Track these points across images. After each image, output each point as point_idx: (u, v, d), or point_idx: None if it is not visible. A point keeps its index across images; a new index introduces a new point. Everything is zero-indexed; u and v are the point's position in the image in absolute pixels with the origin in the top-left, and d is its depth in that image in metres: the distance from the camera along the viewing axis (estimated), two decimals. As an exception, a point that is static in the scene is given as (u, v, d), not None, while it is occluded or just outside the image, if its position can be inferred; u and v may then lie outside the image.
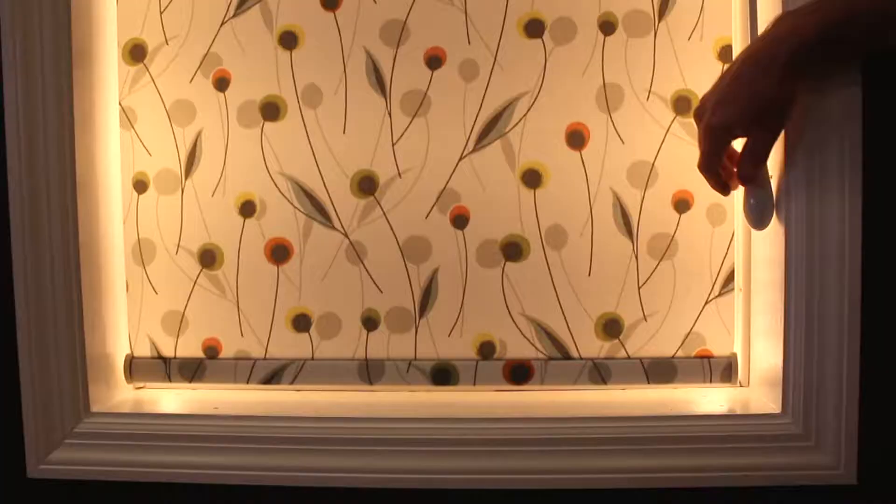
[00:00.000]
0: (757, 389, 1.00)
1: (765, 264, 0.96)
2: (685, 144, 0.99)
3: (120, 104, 1.05)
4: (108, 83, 1.05)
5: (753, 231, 0.95)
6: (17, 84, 0.95)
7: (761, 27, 0.94)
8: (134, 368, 1.08)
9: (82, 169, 1.00)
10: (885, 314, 0.92)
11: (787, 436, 0.91)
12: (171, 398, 1.07)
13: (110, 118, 1.06)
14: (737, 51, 0.98)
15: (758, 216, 0.90)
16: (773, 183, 0.91)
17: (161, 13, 1.04)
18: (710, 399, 0.99)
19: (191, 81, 1.04)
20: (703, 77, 0.98)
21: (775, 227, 0.92)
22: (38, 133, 0.96)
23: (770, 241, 0.94)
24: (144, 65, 1.04)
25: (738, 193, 0.99)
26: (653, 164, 0.99)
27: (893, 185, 0.91)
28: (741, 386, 1.02)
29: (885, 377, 0.92)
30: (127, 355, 1.08)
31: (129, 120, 1.05)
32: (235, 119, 1.03)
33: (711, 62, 0.98)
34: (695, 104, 0.98)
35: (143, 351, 1.08)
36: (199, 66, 1.04)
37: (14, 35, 0.95)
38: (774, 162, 0.92)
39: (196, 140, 1.04)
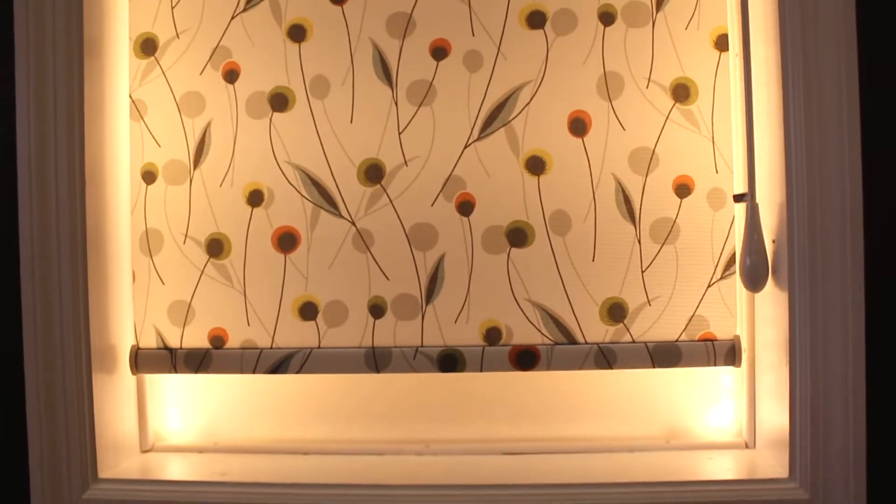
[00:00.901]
0: (764, 452, 1.01)
1: (768, 325, 0.98)
2: (685, 131, 1.01)
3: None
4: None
5: (758, 277, 0.96)
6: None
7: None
8: (139, 360, 1.08)
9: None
10: (890, 378, 0.94)
11: (795, 501, 0.92)
12: (179, 464, 1.07)
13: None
14: (732, 40, 1.01)
15: (753, 278, 0.94)
16: (771, 247, 0.96)
17: (173, 8, 1.06)
18: (716, 462, 1.01)
19: (201, 74, 1.06)
20: (701, 65, 1.01)
21: (777, 292, 0.95)
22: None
23: (773, 303, 0.97)
24: (155, 58, 1.06)
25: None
26: (653, 150, 1.02)
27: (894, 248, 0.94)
28: (747, 446, 1.04)
29: (892, 441, 0.94)
30: (132, 346, 1.08)
31: (139, 112, 1.07)
32: (244, 110, 1.05)
33: (708, 51, 1.01)
34: (693, 92, 1.01)
35: (149, 342, 1.08)
36: (209, 59, 1.06)
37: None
38: (772, 226, 0.96)
39: (205, 131, 1.06)
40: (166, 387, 1.13)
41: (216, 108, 1.06)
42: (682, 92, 1.01)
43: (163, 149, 1.07)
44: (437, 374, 1.06)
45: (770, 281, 0.96)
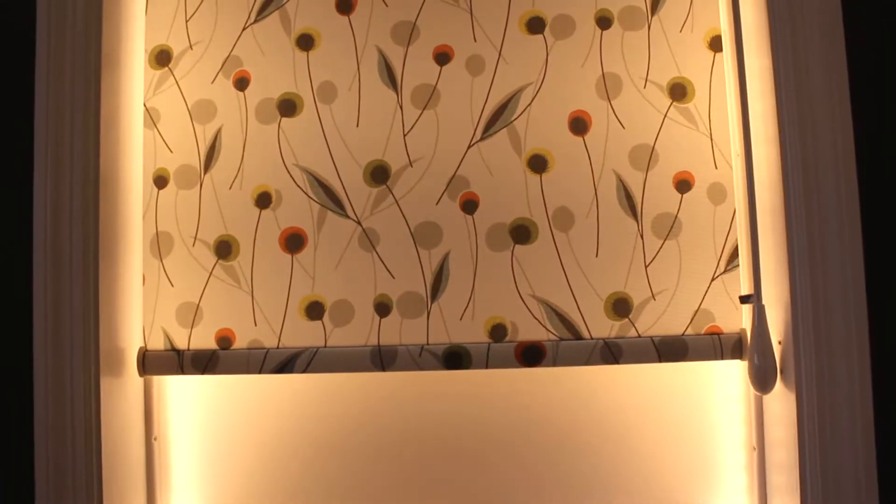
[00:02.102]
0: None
1: (778, 424, 0.99)
2: (683, 128, 1.04)
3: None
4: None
5: (766, 379, 0.97)
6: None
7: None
8: (147, 361, 1.08)
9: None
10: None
11: None
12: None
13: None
14: (726, 41, 1.04)
15: (762, 380, 0.96)
16: (777, 348, 0.97)
17: (187, 21, 1.11)
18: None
19: (212, 82, 1.10)
20: (696, 65, 1.04)
21: (784, 390, 0.96)
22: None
23: (781, 401, 0.98)
24: (169, 68, 1.11)
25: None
26: (653, 147, 1.04)
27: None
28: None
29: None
30: (140, 348, 1.09)
31: (152, 120, 1.11)
32: (254, 116, 1.09)
33: (703, 51, 1.04)
34: (689, 91, 1.04)
35: (157, 344, 1.08)
36: (220, 68, 1.10)
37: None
38: (778, 327, 0.97)
39: (216, 136, 1.09)
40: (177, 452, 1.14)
41: (227, 115, 1.09)
42: (678, 91, 1.04)
43: (174, 154, 1.10)
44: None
45: (779, 381, 0.97)
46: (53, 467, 1.01)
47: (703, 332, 1.02)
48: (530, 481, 1.08)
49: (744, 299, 0.99)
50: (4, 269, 1.04)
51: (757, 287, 0.99)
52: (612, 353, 1.02)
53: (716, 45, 1.04)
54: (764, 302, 0.99)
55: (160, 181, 1.10)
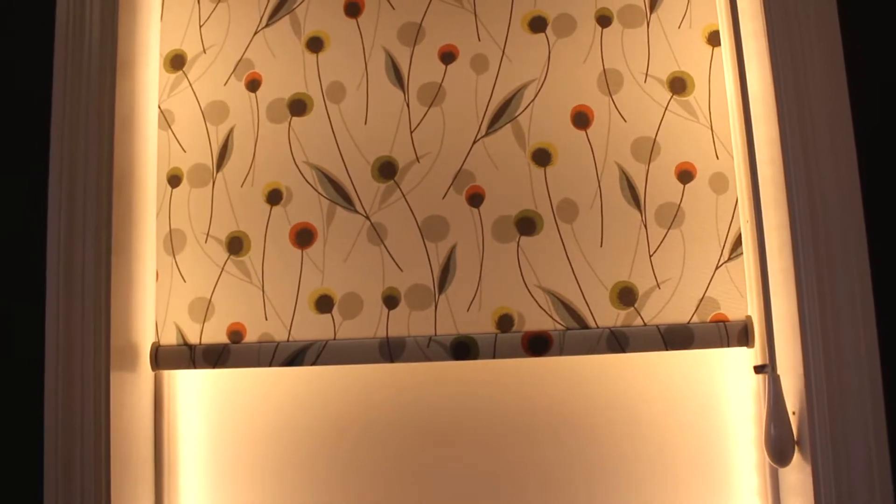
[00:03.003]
0: None
1: (795, 496, 0.99)
2: (684, 120, 1.06)
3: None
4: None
5: (784, 451, 0.97)
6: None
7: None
8: (159, 356, 1.10)
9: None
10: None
11: None
12: None
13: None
14: (724, 35, 1.07)
15: (778, 451, 0.95)
16: (793, 419, 0.98)
17: (201, 26, 1.15)
18: None
19: (225, 84, 1.13)
20: (695, 60, 1.07)
21: (801, 463, 0.97)
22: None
23: (798, 473, 0.98)
24: (183, 72, 1.14)
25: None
26: (654, 139, 1.06)
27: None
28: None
29: None
30: (153, 343, 1.10)
31: (167, 121, 1.14)
32: (265, 116, 1.12)
33: (701, 46, 1.07)
34: (689, 84, 1.06)
35: (170, 339, 1.10)
36: (233, 71, 1.13)
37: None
38: (794, 398, 0.98)
39: (228, 136, 1.12)
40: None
41: (239, 115, 1.13)
42: (678, 85, 1.07)
43: (188, 154, 1.13)
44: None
45: (796, 451, 0.97)
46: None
47: (708, 319, 1.03)
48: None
49: (758, 369, 0.99)
50: (19, 265, 1.07)
51: (772, 357, 0.99)
52: (618, 341, 1.03)
53: (714, 39, 1.07)
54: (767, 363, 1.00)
55: (174, 180, 1.13)
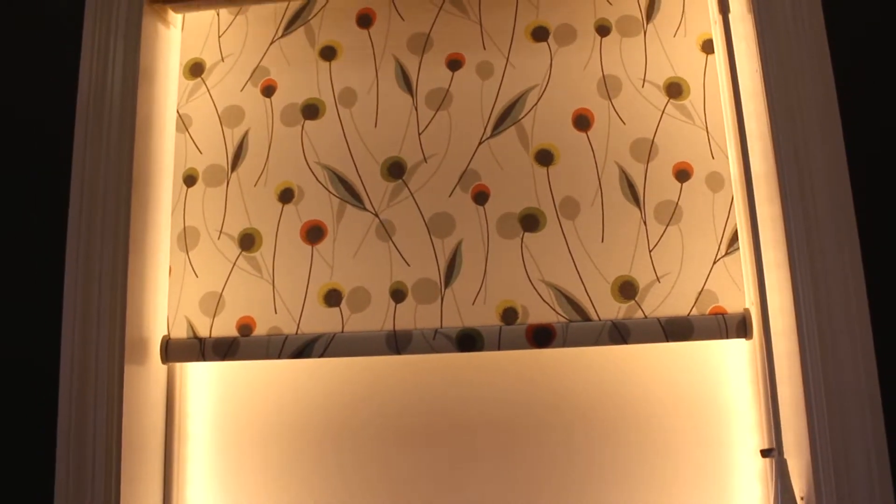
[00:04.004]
0: None
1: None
2: (680, 122, 1.11)
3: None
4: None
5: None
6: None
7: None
8: (170, 349, 1.12)
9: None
10: None
11: None
12: None
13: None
14: (717, 43, 1.13)
15: None
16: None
17: (219, 36, 1.21)
18: None
19: (241, 90, 1.19)
20: (690, 66, 1.12)
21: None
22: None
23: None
24: (202, 78, 1.20)
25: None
26: (652, 141, 1.11)
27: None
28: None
29: None
30: (164, 337, 1.13)
31: (184, 124, 1.19)
32: (279, 119, 1.17)
33: (696, 53, 1.13)
34: (685, 89, 1.11)
35: (180, 332, 1.13)
36: (249, 78, 1.19)
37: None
38: (801, 483, 1.00)
39: (243, 138, 1.17)
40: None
41: (254, 119, 1.18)
42: (675, 89, 1.12)
43: (204, 155, 1.18)
44: None
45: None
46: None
47: (707, 312, 1.06)
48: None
49: (765, 453, 1.00)
50: (41, 260, 1.10)
51: (778, 440, 1.01)
52: (620, 333, 1.05)
53: (707, 47, 1.13)
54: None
55: (189, 180, 1.17)
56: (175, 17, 1.23)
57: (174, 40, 1.22)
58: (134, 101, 1.13)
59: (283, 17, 1.20)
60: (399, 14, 1.18)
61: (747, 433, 1.07)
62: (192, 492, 1.14)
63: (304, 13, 1.20)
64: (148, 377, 1.11)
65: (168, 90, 1.20)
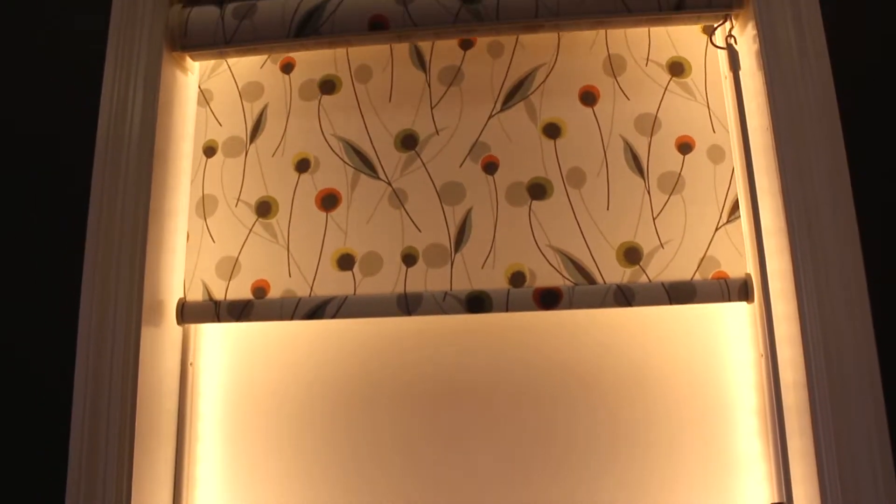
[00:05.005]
0: None
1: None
2: (682, 99, 1.15)
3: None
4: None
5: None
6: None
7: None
8: (185, 311, 1.15)
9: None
10: None
11: None
12: None
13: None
14: (718, 29, 1.18)
15: None
16: None
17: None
18: None
19: (261, 67, 1.24)
20: (692, 47, 1.17)
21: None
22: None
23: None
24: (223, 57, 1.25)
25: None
26: (656, 116, 1.15)
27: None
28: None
29: None
30: (179, 299, 1.15)
31: (205, 99, 1.24)
32: (297, 94, 1.22)
33: (698, 35, 1.18)
34: (687, 68, 1.17)
35: (196, 295, 1.15)
36: (268, 56, 1.24)
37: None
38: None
39: (262, 112, 1.22)
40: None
41: (273, 94, 1.22)
42: (677, 68, 1.17)
43: (223, 128, 1.22)
44: None
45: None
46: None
47: (709, 277, 1.09)
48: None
49: None
50: (62, 227, 1.14)
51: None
52: (624, 296, 1.08)
53: (708, 29, 1.18)
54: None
55: (209, 151, 1.21)
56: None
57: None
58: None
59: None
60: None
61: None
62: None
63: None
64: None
65: (191, 66, 1.25)
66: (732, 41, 1.15)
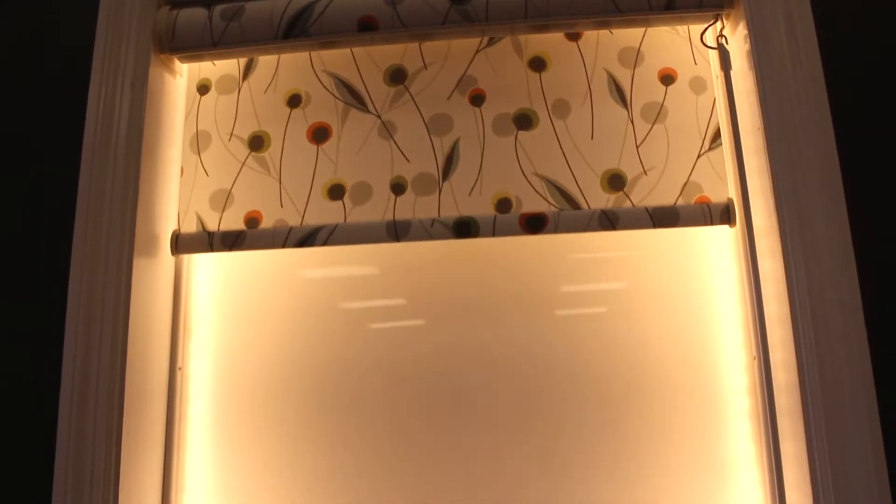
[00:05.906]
0: None
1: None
2: (665, 32, 1.18)
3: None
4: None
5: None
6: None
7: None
8: (179, 241, 1.17)
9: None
10: None
11: None
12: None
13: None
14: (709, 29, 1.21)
15: None
16: None
17: (235, -39, 1.30)
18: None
19: (254, 8, 1.27)
20: (674, -16, 1.20)
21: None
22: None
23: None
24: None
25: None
26: (638, 49, 1.18)
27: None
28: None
29: None
30: (174, 231, 1.18)
31: (200, 39, 1.27)
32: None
33: (679, -28, 1.21)
34: (670, 3, 1.19)
35: (190, 227, 1.18)
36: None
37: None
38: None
39: (255, 51, 1.25)
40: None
41: (265, 34, 1.25)
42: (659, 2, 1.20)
43: (217, 66, 1.25)
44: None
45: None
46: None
47: (692, 202, 1.11)
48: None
49: None
50: (56, 160, 1.16)
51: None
52: (609, 220, 1.10)
53: (689, -33, 1.21)
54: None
55: (203, 89, 1.24)
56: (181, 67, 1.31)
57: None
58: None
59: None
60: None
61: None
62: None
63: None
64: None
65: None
66: (723, 41, 1.17)
